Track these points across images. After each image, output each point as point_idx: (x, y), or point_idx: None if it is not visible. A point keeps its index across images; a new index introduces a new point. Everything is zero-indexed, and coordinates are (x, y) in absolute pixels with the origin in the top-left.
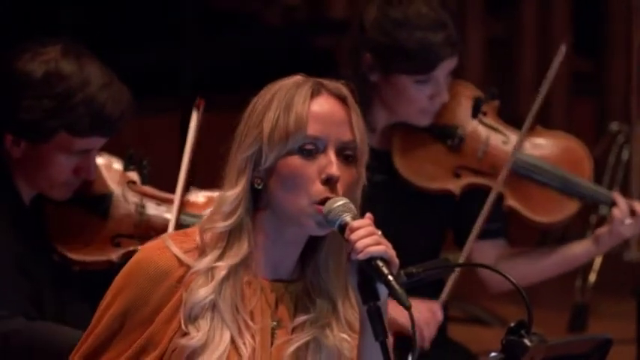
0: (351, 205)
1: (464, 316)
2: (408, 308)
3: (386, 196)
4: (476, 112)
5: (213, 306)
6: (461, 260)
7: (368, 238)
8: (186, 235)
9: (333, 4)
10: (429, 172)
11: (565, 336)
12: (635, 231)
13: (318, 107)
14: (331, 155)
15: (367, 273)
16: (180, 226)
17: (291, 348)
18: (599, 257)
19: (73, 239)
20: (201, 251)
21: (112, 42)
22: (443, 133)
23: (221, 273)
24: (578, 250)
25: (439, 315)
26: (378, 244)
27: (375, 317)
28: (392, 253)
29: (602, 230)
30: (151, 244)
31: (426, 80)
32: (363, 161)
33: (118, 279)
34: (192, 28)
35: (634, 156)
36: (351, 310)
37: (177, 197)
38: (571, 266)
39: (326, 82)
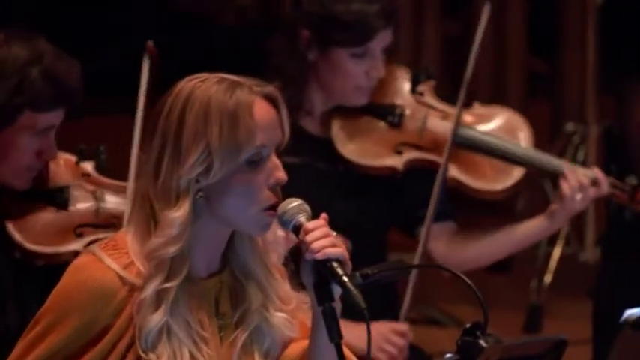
0: (306, 206)
1: (419, 317)
2: (363, 309)
3: (330, 184)
4: (414, 88)
5: (168, 328)
6: (420, 247)
7: (323, 239)
8: (117, 247)
9: (285, 5)
10: (371, 151)
11: (520, 336)
12: (584, 204)
13: (259, 116)
14: (275, 160)
15: (322, 274)
16: None
17: (239, 344)
18: (555, 258)
19: (35, 232)
20: (146, 277)
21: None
22: (382, 112)
23: (170, 295)
24: (533, 226)
25: (406, 336)
26: (333, 245)
27: (330, 318)
28: (346, 254)
29: (555, 206)
30: (86, 261)
31: (362, 54)
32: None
33: (60, 298)
34: (149, 29)
35: (589, 156)
36: (276, 283)
37: (129, 186)
38: (526, 244)
39: (255, 84)
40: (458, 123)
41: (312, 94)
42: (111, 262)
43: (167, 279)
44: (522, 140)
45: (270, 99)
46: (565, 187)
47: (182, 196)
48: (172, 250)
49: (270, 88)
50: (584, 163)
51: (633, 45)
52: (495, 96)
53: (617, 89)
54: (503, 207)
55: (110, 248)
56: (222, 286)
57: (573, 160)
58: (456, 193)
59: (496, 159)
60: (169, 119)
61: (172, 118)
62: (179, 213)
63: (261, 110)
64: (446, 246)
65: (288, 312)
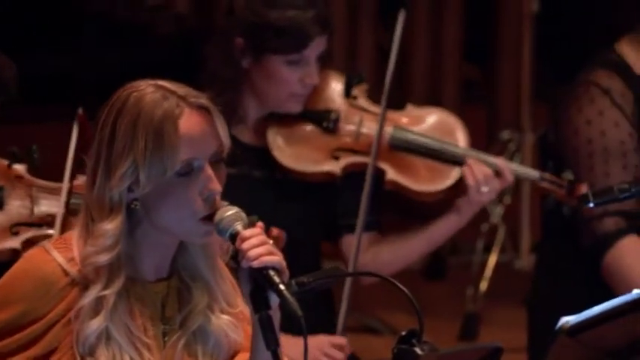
0: (242, 214)
1: (355, 325)
2: (299, 317)
3: (267, 192)
4: (347, 92)
5: (107, 334)
6: (353, 255)
7: (260, 247)
8: (65, 242)
9: (222, 13)
10: (307, 157)
11: (456, 344)
12: (492, 196)
13: (186, 128)
14: (208, 171)
15: (258, 282)
16: (72, 211)
17: (181, 343)
18: (491, 266)
19: None
20: (84, 284)
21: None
22: (317, 118)
23: (109, 301)
24: (442, 223)
25: (345, 349)
26: (270, 253)
27: (266, 326)
28: (283, 262)
29: (461, 199)
30: (33, 252)
31: (297, 61)
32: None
33: (4, 287)
34: (89, 38)
35: (525, 163)
36: (224, 286)
37: (64, 186)
38: (439, 241)
39: (187, 94)
40: (382, 125)
41: (246, 102)
42: (57, 255)
43: (106, 286)
44: (458, 140)
45: (202, 109)
46: (469, 178)
47: (115, 208)
48: (104, 259)
49: (202, 99)
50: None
51: (568, 52)
52: (430, 102)
53: (552, 96)
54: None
55: (60, 244)
56: (170, 291)
57: None
58: (396, 199)
59: (433, 160)
60: (103, 130)
61: (105, 129)
62: (111, 225)
63: (190, 122)
64: (368, 255)
65: (234, 315)
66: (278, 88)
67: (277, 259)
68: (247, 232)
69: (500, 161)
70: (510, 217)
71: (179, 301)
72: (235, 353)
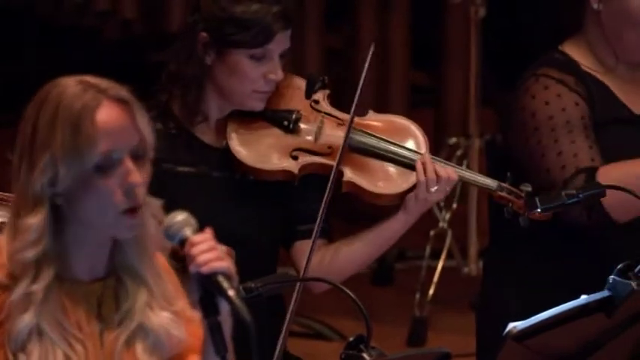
0: (192, 220)
1: (303, 330)
2: (249, 323)
3: (226, 193)
4: (309, 94)
5: (39, 329)
6: (306, 260)
7: (209, 252)
8: None
9: (169, 19)
10: (267, 156)
11: (404, 350)
12: (440, 196)
13: (104, 120)
14: (128, 164)
15: (207, 288)
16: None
17: (120, 342)
18: (438, 271)
19: None
20: (13, 279)
21: None
22: (278, 117)
23: (38, 296)
24: (390, 223)
25: None
26: (219, 259)
27: (215, 332)
28: (232, 268)
29: (410, 196)
30: None
31: (260, 56)
32: (151, 152)
33: None
34: (33, 43)
35: (472, 169)
36: (162, 283)
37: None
38: (387, 242)
39: (107, 87)
40: (350, 129)
41: (209, 100)
42: None
43: (33, 281)
44: (418, 146)
45: (122, 102)
46: (420, 174)
47: (38, 202)
48: (31, 254)
49: (121, 91)
50: None
51: (514, 57)
52: (378, 108)
53: (498, 101)
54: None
55: None
56: (106, 291)
57: None
58: (345, 205)
59: (392, 164)
60: (26, 125)
61: (28, 124)
62: (35, 219)
63: (109, 114)
64: (314, 261)
65: (174, 312)
66: (241, 84)
67: (226, 264)
68: (197, 238)
69: (449, 171)
70: (458, 222)
71: (116, 300)
72: (184, 352)
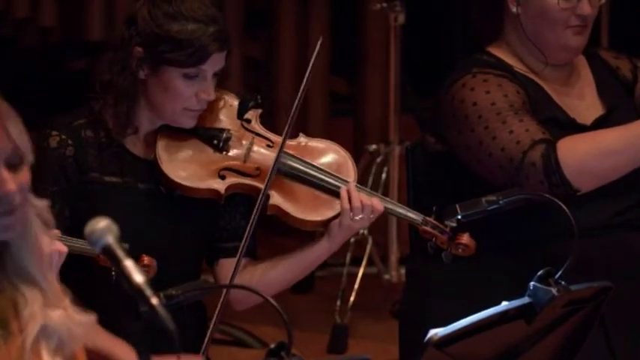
0: (114, 227)
1: (223, 337)
2: (172, 332)
3: (151, 205)
4: (241, 114)
5: None
6: (233, 271)
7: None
8: None
9: (89, 27)
10: (194, 174)
11: (325, 357)
12: (364, 224)
13: None
14: (2, 173)
15: (130, 294)
16: None
17: (27, 347)
18: (359, 278)
19: None
20: None
21: None
22: (208, 136)
23: None
24: (313, 248)
25: None
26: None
27: (138, 339)
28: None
29: (334, 222)
30: None
31: (193, 75)
32: (29, 154)
33: None
34: None
35: (392, 176)
36: (52, 281)
37: None
38: (310, 266)
39: None
40: (281, 152)
41: (140, 113)
42: None
43: None
44: (347, 173)
45: None
46: (344, 202)
47: None
48: None
49: None
50: (386, 184)
51: (433, 64)
52: (298, 115)
53: (421, 108)
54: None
55: None
56: (3, 296)
57: (376, 180)
58: (276, 224)
59: (318, 190)
60: None
61: None
62: None
63: None
64: (237, 279)
65: (65, 308)
66: (173, 102)
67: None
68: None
69: (375, 201)
70: (378, 229)
71: (16, 308)
72: (84, 349)
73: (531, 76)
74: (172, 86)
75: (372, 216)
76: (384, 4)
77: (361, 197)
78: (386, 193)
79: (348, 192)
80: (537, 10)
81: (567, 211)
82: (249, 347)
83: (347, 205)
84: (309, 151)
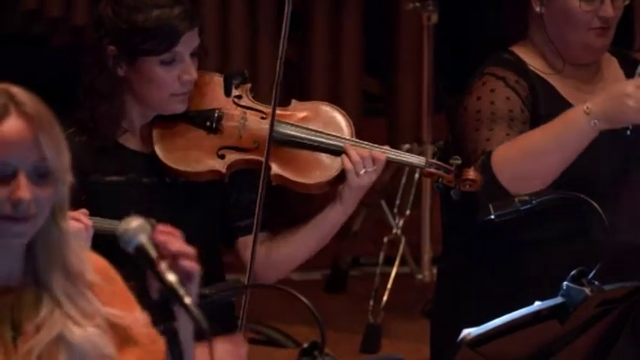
0: (147, 225)
1: (257, 337)
2: (205, 330)
3: (158, 198)
4: (228, 90)
5: None
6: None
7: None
8: None
9: None
10: (193, 158)
11: (358, 357)
12: (372, 178)
13: (4, 131)
14: (21, 179)
15: (163, 294)
16: None
17: (35, 353)
18: (392, 278)
19: None
20: None
21: None
22: (200, 118)
23: None
24: (327, 212)
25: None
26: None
27: (171, 339)
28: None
29: (342, 185)
30: None
31: (171, 60)
32: (61, 172)
33: None
34: None
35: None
36: (81, 300)
37: None
38: (328, 232)
39: (18, 97)
40: (272, 122)
41: (130, 109)
42: None
43: None
44: (342, 130)
45: (30, 118)
46: (346, 162)
47: None
48: None
49: (34, 108)
50: (419, 183)
51: (464, 63)
52: None
53: (450, 108)
54: (340, 229)
55: None
56: (21, 302)
57: (410, 179)
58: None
59: (316, 152)
60: None
61: None
62: None
63: (11, 127)
64: (258, 254)
65: (96, 326)
66: (158, 91)
67: (197, 267)
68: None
69: (376, 149)
70: (411, 229)
71: (33, 310)
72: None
73: (544, 76)
74: (154, 76)
75: (375, 167)
76: (417, 4)
77: (360, 151)
78: (419, 192)
79: (347, 152)
80: (560, 12)
81: (600, 210)
82: (283, 347)
83: (349, 165)
84: (302, 115)
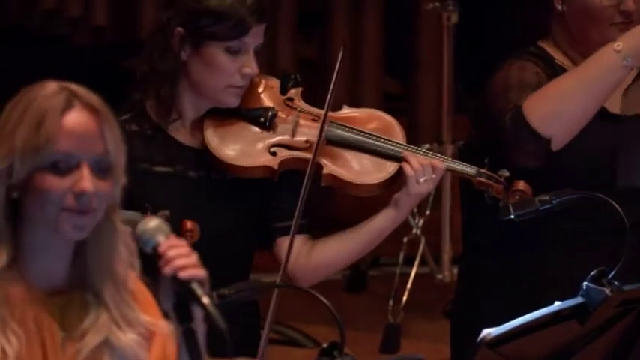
0: (165, 226)
1: (277, 337)
2: (223, 330)
3: (204, 193)
4: (284, 89)
5: None
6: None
7: (187, 258)
8: None
9: (142, 26)
10: (245, 153)
11: (377, 357)
12: (430, 187)
13: (70, 122)
14: (84, 171)
15: (180, 294)
16: None
17: (83, 354)
18: (412, 278)
19: None
20: None
21: None
22: (254, 115)
23: None
24: (381, 218)
25: None
26: (196, 266)
27: (190, 339)
28: (205, 275)
29: (399, 193)
30: None
31: (237, 49)
32: (119, 170)
33: None
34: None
35: (446, 175)
36: (125, 307)
37: None
38: (378, 237)
39: (80, 92)
40: (325, 119)
41: (184, 97)
42: None
43: None
44: (395, 136)
45: (94, 110)
46: (408, 170)
47: None
48: None
49: (91, 97)
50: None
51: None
52: None
53: (470, 108)
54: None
55: None
56: (70, 303)
57: None
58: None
59: (370, 155)
60: (2, 117)
61: (3, 115)
62: None
63: (76, 118)
64: (301, 257)
65: (139, 334)
66: (216, 78)
67: (202, 273)
68: (174, 241)
69: (434, 157)
70: (431, 229)
71: (81, 313)
72: None
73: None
74: (215, 63)
75: (434, 176)
76: (437, 4)
77: (420, 159)
78: (439, 193)
79: (407, 157)
80: (581, 8)
81: (619, 209)
82: (303, 346)
83: (410, 171)
84: (355, 118)
